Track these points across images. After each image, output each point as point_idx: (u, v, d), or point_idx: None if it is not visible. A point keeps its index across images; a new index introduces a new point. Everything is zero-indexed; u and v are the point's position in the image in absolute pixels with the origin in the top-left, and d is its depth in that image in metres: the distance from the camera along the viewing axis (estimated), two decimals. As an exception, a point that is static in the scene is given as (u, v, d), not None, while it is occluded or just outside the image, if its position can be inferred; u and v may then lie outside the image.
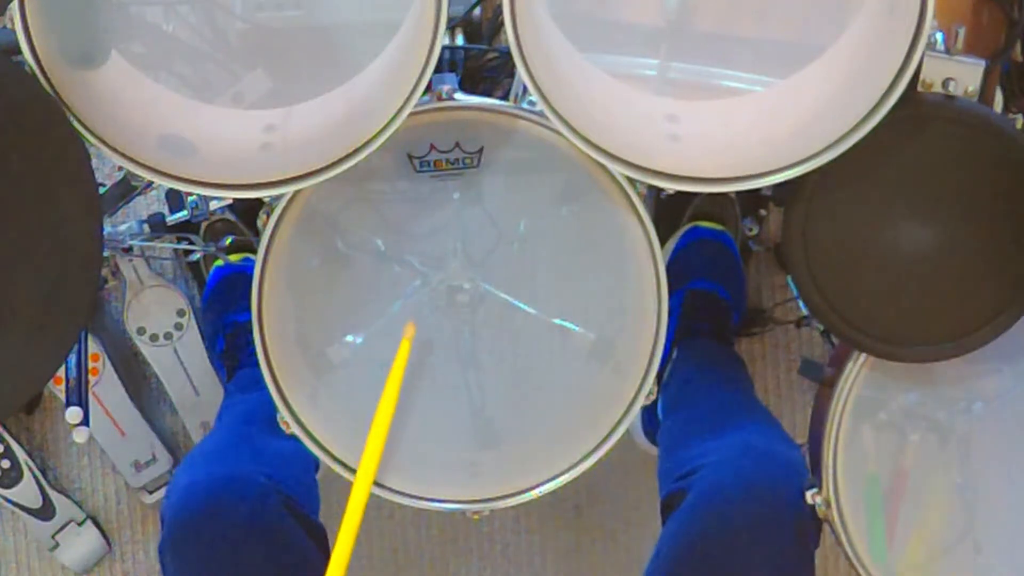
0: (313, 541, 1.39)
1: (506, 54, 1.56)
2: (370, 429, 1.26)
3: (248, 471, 1.36)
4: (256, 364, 1.28)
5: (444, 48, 1.26)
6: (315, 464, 1.50)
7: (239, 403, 1.58)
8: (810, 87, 1.23)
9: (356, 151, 1.17)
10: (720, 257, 1.75)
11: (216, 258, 1.75)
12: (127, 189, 1.51)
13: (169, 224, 1.73)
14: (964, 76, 1.16)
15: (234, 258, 1.74)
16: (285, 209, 1.23)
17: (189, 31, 1.28)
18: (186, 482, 1.35)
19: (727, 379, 1.62)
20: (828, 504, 1.29)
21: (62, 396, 1.47)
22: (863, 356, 1.27)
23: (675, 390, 1.62)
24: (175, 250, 1.81)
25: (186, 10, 1.27)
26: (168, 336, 1.78)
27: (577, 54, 1.25)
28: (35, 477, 1.80)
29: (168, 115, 1.23)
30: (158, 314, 1.78)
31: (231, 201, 1.70)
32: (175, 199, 1.73)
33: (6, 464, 1.78)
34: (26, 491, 1.80)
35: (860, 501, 1.31)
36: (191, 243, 1.72)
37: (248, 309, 1.26)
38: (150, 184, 1.30)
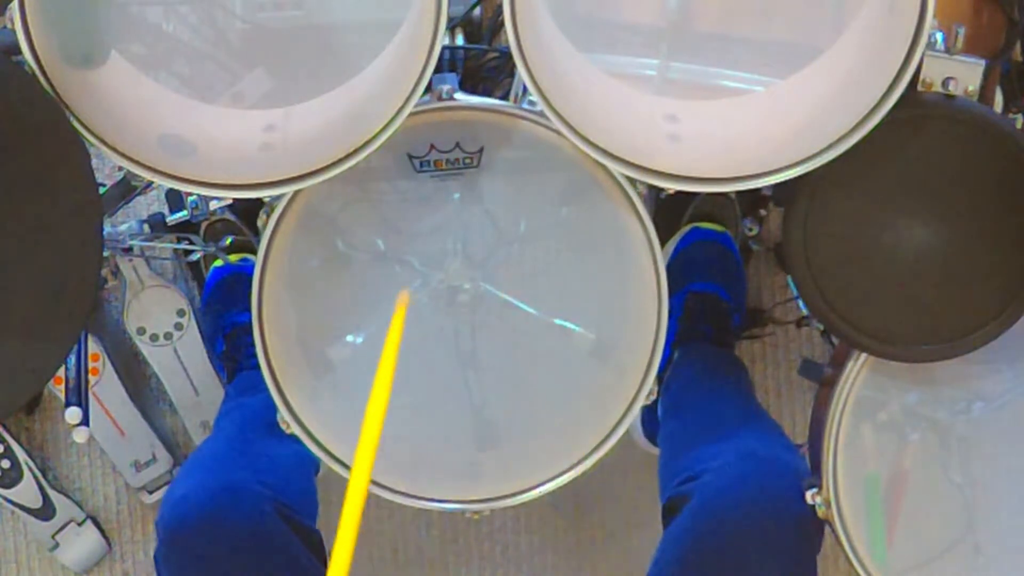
0: (309, 549, 1.38)
1: (506, 54, 1.56)
2: (366, 408, 1.21)
3: (243, 480, 1.35)
4: (256, 366, 1.28)
5: (444, 48, 1.26)
6: (315, 468, 1.50)
7: (237, 408, 1.58)
8: (810, 87, 1.23)
9: (356, 151, 1.16)
10: (721, 258, 1.75)
11: (216, 258, 1.75)
12: (127, 189, 1.51)
13: (169, 224, 1.73)
14: (964, 76, 1.16)
15: (234, 258, 1.74)
16: (285, 209, 1.23)
17: (189, 31, 1.28)
18: (181, 493, 1.34)
19: (728, 384, 1.62)
20: (828, 504, 1.29)
21: (62, 396, 1.47)
22: (863, 356, 1.26)
23: (676, 393, 1.62)
24: (175, 250, 1.81)
25: (186, 10, 1.27)
26: (168, 336, 1.78)
27: (577, 54, 1.25)
28: (35, 477, 1.79)
29: (168, 115, 1.23)
30: (158, 314, 1.78)
31: (231, 201, 1.70)
32: (175, 199, 1.73)
33: (6, 464, 1.78)
34: (26, 491, 1.80)
35: (860, 501, 1.31)
36: (191, 243, 1.72)
37: (248, 309, 1.26)
38: (150, 184, 1.30)
